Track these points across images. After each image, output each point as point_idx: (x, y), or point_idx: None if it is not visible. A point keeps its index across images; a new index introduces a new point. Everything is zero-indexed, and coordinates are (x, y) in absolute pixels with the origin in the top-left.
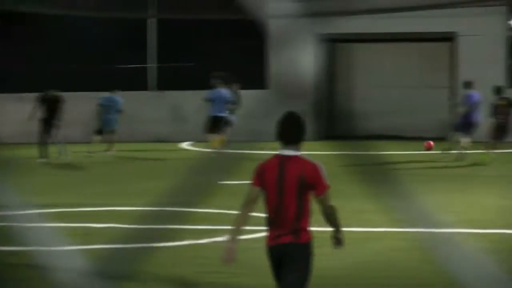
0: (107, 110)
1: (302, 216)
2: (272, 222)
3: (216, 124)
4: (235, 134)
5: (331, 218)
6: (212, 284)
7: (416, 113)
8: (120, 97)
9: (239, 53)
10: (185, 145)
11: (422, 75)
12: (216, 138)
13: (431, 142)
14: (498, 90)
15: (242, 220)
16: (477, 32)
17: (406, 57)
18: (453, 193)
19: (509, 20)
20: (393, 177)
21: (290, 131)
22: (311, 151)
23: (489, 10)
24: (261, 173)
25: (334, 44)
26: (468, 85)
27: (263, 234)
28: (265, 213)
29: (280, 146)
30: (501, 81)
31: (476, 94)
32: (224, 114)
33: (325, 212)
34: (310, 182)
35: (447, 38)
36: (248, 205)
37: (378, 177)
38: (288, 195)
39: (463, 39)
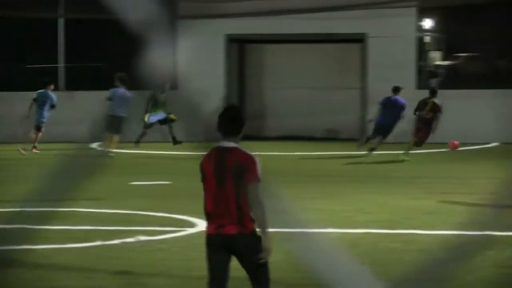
0: (40, 105)
1: (243, 205)
2: (212, 213)
3: (113, 124)
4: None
5: (256, 212)
6: (124, 285)
7: (327, 114)
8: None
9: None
10: (95, 145)
11: (332, 76)
12: (112, 138)
13: (456, 142)
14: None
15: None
16: (388, 34)
17: (316, 58)
18: (366, 194)
19: (419, 21)
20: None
21: (229, 124)
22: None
23: (399, 11)
24: (202, 166)
25: (244, 44)
26: (396, 89)
27: (172, 235)
28: (204, 203)
29: (220, 138)
30: (411, 82)
31: (400, 99)
32: (123, 113)
33: (253, 205)
34: (243, 172)
35: (358, 39)
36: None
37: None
38: (228, 185)
39: (373, 40)
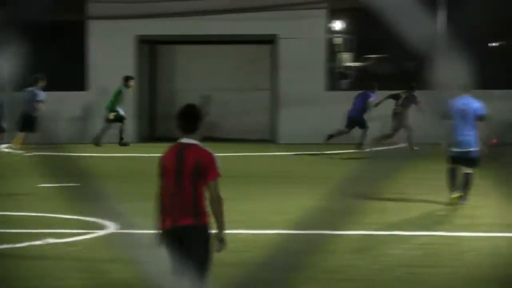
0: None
1: (199, 200)
2: (168, 207)
3: (25, 123)
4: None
5: (216, 207)
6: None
7: (239, 115)
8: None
9: (61, 54)
10: (3, 147)
11: (244, 77)
12: (19, 137)
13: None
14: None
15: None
16: (298, 35)
17: (227, 59)
18: (282, 195)
19: (330, 23)
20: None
21: (188, 121)
22: (133, 152)
23: (309, 13)
24: (162, 162)
25: (155, 45)
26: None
27: (81, 237)
28: (160, 197)
29: (180, 135)
30: (321, 83)
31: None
32: (34, 113)
33: (212, 200)
34: (204, 168)
35: (268, 40)
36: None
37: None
38: (186, 180)
39: (284, 41)
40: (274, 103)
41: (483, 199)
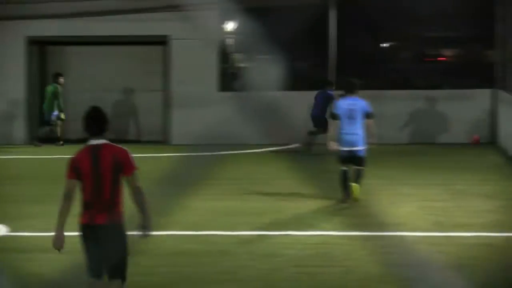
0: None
1: (117, 197)
2: (89, 205)
3: None
4: None
5: (138, 198)
6: None
7: (131, 116)
8: None
9: None
10: None
11: (136, 78)
12: None
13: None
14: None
15: (65, 211)
16: (190, 36)
17: (120, 60)
18: (169, 196)
19: (222, 24)
20: None
21: (96, 122)
22: (16, 154)
23: (202, 14)
24: (75, 165)
25: (45, 47)
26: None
27: None
28: (82, 197)
29: (89, 137)
30: (214, 84)
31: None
32: None
33: (133, 192)
34: (121, 164)
35: (160, 41)
36: (68, 197)
37: None
38: (104, 179)
39: (176, 42)
40: (166, 104)
41: (373, 198)
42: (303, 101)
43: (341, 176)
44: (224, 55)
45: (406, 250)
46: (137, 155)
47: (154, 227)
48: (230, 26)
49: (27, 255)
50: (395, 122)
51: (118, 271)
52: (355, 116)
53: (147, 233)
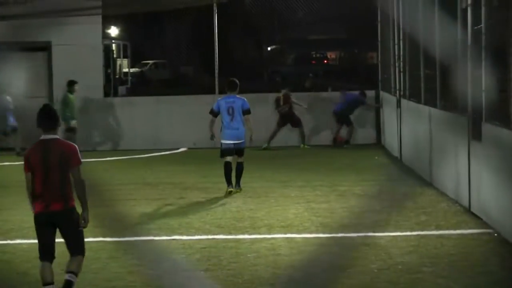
0: None
1: (66, 186)
2: (40, 194)
3: None
4: None
5: (80, 189)
6: None
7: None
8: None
9: None
10: None
11: (20, 84)
12: None
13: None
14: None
15: (29, 191)
16: (73, 42)
17: (3, 67)
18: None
19: (106, 29)
20: None
21: (48, 119)
22: None
23: (84, 19)
24: (28, 158)
25: None
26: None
27: None
28: (33, 187)
29: (41, 132)
30: (99, 90)
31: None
32: None
33: (76, 184)
34: (68, 158)
35: (43, 47)
36: (30, 187)
37: None
38: (53, 170)
39: (58, 48)
40: None
41: (262, 202)
42: (189, 105)
43: (225, 168)
44: (109, 60)
45: (294, 252)
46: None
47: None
48: (113, 31)
49: None
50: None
51: (78, 247)
52: (234, 112)
53: (85, 223)
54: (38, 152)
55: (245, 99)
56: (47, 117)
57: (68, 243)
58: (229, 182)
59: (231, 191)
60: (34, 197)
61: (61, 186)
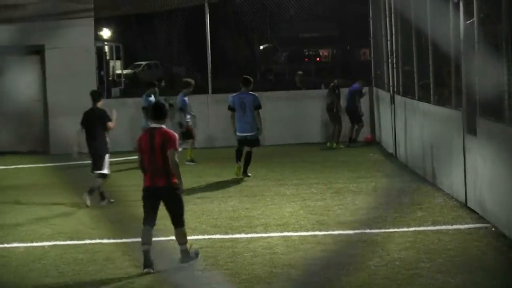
0: None
1: (167, 166)
2: (148, 170)
3: None
4: None
5: (174, 168)
6: None
7: (12, 126)
8: None
9: None
10: None
11: (15, 87)
12: None
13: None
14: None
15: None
16: (66, 44)
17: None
18: (50, 205)
19: (98, 31)
20: None
21: (157, 112)
22: None
23: (76, 22)
24: (140, 142)
25: None
26: None
27: None
28: (143, 166)
29: (152, 122)
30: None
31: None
32: None
33: (171, 163)
34: (166, 143)
35: (36, 51)
36: (141, 165)
37: None
38: (157, 152)
39: (51, 51)
40: (45, 113)
41: (258, 200)
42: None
43: (236, 153)
44: (102, 62)
45: (290, 250)
46: (16, 166)
47: (38, 238)
48: (105, 33)
49: None
50: (275, 124)
51: (179, 220)
52: (246, 108)
53: (181, 191)
54: (146, 137)
55: (257, 96)
56: (156, 111)
57: (171, 216)
58: (238, 160)
59: (239, 167)
60: (144, 173)
61: (164, 166)
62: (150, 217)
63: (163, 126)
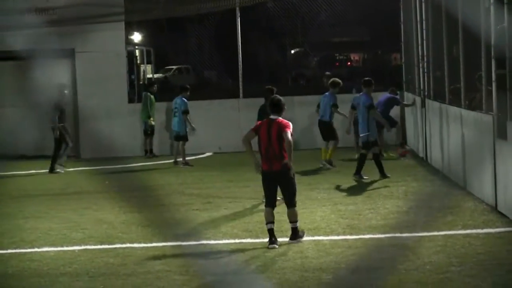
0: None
1: (282, 151)
2: (265, 156)
3: None
4: None
5: (287, 147)
6: None
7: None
8: None
9: None
10: None
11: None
12: None
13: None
14: None
15: (248, 142)
16: (97, 49)
17: (27, 74)
18: (81, 210)
19: (129, 35)
20: None
21: (275, 106)
22: None
23: (107, 26)
24: (258, 127)
25: None
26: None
27: None
28: (260, 151)
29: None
30: (124, 96)
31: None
32: None
33: (285, 143)
34: (283, 127)
35: (66, 54)
36: (248, 137)
37: None
38: (274, 140)
39: (81, 55)
40: (75, 117)
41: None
42: (213, 110)
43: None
44: (133, 66)
45: (321, 254)
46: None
47: (69, 242)
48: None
49: None
50: (307, 128)
51: (292, 201)
52: (359, 110)
53: (287, 165)
54: (265, 125)
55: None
56: (274, 104)
57: (285, 196)
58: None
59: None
60: (261, 156)
61: (279, 151)
62: (270, 199)
63: (280, 117)
